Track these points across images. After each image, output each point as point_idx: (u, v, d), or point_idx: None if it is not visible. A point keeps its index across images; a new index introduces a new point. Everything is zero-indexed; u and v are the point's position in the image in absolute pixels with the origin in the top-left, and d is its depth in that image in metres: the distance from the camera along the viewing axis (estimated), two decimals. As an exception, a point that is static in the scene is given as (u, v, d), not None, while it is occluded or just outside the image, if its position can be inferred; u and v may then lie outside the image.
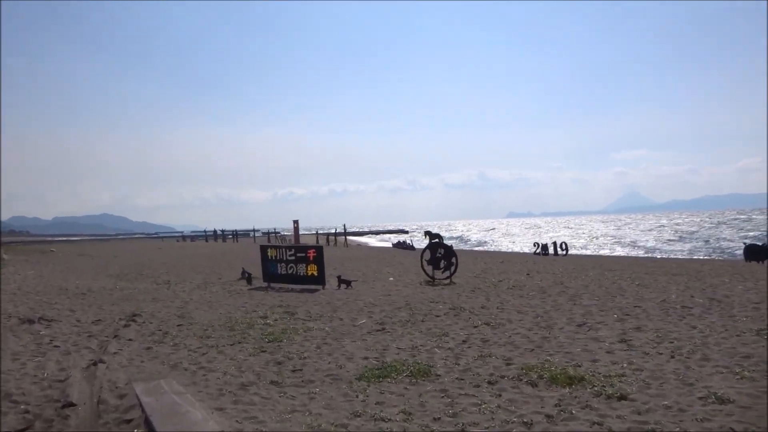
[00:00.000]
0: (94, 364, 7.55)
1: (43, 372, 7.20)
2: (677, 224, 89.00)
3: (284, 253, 16.61)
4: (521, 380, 6.23)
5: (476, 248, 48.58)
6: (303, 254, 16.32)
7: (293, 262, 16.40)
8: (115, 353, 8.29)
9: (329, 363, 7.38)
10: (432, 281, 16.55)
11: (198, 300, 14.00)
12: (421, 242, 49.76)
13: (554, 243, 30.66)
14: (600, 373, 6.31)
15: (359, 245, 59.66)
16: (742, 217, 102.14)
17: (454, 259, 16.50)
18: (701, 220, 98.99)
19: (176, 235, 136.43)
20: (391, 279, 17.86)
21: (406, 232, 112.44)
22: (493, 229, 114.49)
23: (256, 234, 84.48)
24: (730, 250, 36.40)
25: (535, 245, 31.38)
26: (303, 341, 8.71)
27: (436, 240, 18.01)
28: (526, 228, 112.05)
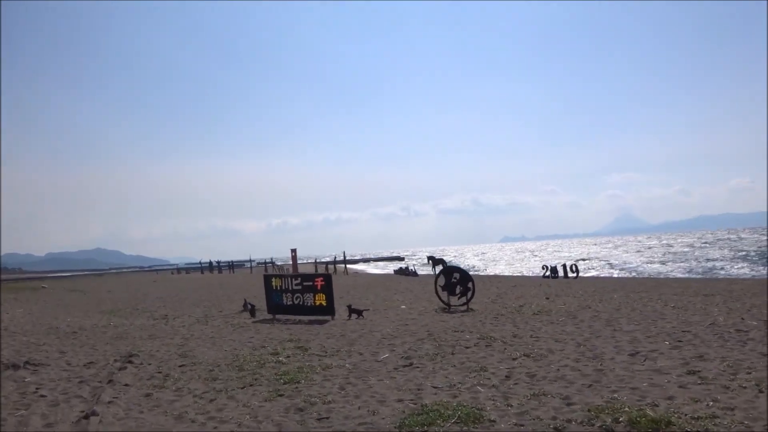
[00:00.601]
0: (86, 417, 6.49)
1: (25, 429, 6.14)
2: (671, 244, 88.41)
3: (290, 283, 15.60)
4: (593, 425, 5.25)
5: (481, 273, 47.60)
6: (310, 283, 15.32)
7: (300, 292, 15.38)
8: (109, 402, 7.23)
9: (359, 408, 6.36)
10: (448, 308, 15.56)
11: (199, 336, 12.93)
12: (423, 268, 48.76)
13: (564, 265, 29.75)
14: (686, 414, 5.34)
15: (358, 273, 58.57)
16: (748, 235, 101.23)
17: (470, 284, 15.55)
18: (701, 239, 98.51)
19: (171, 267, 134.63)
20: (404, 307, 16.85)
21: (402, 259, 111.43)
22: (485, 253, 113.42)
23: (253, 264, 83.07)
24: (745, 269, 35.58)
25: (543, 268, 30.45)
26: (323, 381, 7.69)
27: (450, 264, 17.04)
28: (517, 252, 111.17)
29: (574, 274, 28.59)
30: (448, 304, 15.67)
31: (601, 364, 7.65)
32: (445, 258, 45.88)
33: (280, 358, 9.45)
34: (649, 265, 46.00)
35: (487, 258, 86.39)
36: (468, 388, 6.91)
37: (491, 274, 44.63)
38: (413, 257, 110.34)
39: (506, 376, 7.34)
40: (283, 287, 15.69)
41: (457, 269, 16.15)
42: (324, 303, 14.98)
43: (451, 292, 15.75)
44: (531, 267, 52.40)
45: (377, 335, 11.41)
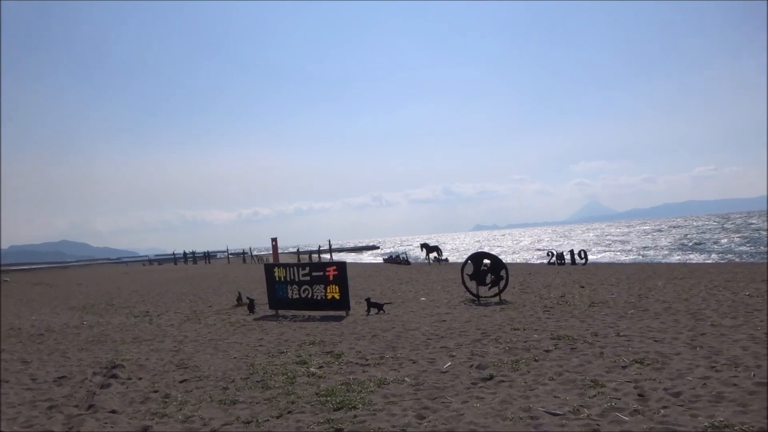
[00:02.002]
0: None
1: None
2: (661, 229, 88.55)
3: (296, 273, 13.48)
4: None
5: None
6: (320, 273, 13.22)
7: (308, 284, 13.29)
8: (93, 445, 5.10)
9: (467, 452, 4.38)
10: (477, 300, 13.66)
11: (195, 338, 10.75)
12: (416, 255, 46.80)
13: (571, 251, 28.18)
14: None
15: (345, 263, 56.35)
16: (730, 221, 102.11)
17: (503, 273, 13.66)
18: (686, 224, 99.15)
19: (141, 259, 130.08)
20: (424, 299, 14.89)
21: (377, 248, 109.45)
22: (464, 240, 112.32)
23: (229, 254, 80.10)
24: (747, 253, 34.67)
25: (548, 254, 28.86)
26: (387, 405, 5.67)
27: (478, 251, 15.13)
28: (493, 239, 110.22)
29: (583, 261, 27.05)
30: (477, 295, 13.77)
31: (753, 375, 5.80)
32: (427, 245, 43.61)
33: (312, 369, 7.38)
34: (649, 251, 44.97)
35: (470, 245, 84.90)
36: (600, 414, 4.98)
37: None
38: (390, 246, 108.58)
39: (640, 395, 5.43)
40: (289, 278, 13.56)
41: (488, 255, 14.25)
42: (337, 296, 12.93)
43: (481, 282, 13.85)
44: (524, 254, 51.03)
45: (417, 335, 9.42)
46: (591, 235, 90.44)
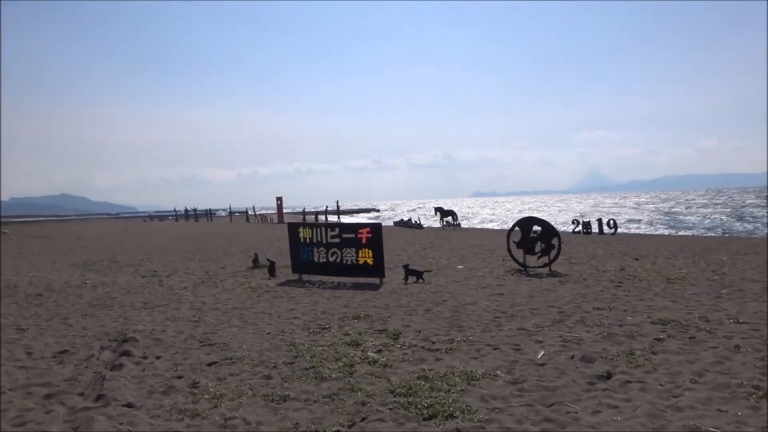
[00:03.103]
0: None
1: None
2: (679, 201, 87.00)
3: (324, 235, 12.04)
4: None
5: (485, 226, 44.58)
6: (351, 235, 11.78)
7: (337, 247, 11.86)
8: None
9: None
10: (524, 270, 12.28)
11: (214, 304, 9.38)
12: (428, 220, 45.41)
13: (599, 220, 26.73)
14: None
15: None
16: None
17: (555, 241, 12.23)
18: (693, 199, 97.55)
19: (141, 215, 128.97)
20: (461, 267, 13.51)
21: (378, 211, 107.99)
22: (471, 207, 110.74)
23: (232, 213, 78.71)
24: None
25: (574, 222, 27.41)
26: (492, 413, 4.29)
27: (526, 216, 13.67)
28: (496, 204, 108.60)
29: (612, 230, 25.64)
30: (525, 265, 12.37)
31: None
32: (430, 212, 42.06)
33: (370, 354, 5.99)
34: (678, 220, 43.43)
35: (476, 210, 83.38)
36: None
37: (503, 227, 41.62)
38: (390, 210, 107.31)
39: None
40: (315, 240, 12.12)
41: (538, 221, 12.78)
42: (370, 261, 11.52)
43: (529, 251, 12.43)
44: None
45: (478, 311, 8.04)
46: (608, 202, 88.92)
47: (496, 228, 40.42)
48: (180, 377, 5.51)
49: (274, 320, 8.01)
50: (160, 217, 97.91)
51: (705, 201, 79.77)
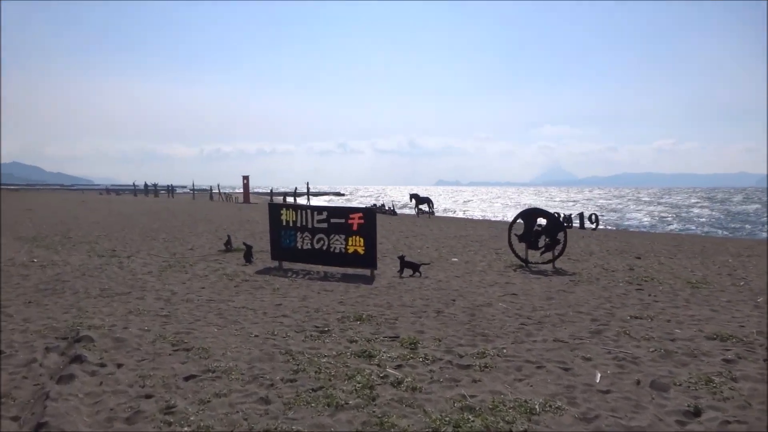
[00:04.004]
0: None
1: None
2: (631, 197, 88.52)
3: (309, 218, 10.79)
4: None
5: (453, 215, 43.83)
6: (341, 220, 10.57)
7: (324, 232, 10.64)
8: None
9: None
10: (525, 265, 11.34)
11: (186, 294, 8.06)
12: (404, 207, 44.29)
13: (581, 215, 26.17)
14: None
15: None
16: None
17: (561, 236, 11.31)
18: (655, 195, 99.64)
19: (97, 188, 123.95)
20: (455, 260, 12.47)
21: (342, 195, 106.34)
22: (440, 195, 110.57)
23: (195, 190, 75.88)
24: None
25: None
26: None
27: (530, 207, 12.69)
28: (455, 193, 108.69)
29: (593, 225, 25.11)
30: (526, 260, 11.43)
31: None
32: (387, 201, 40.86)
33: (389, 370, 4.86)
34: (646, 219, 43.64)
35: (443, 198, 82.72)
36: None
37: (477, 217, 40.92)
38: (354, 195, 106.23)
39: None
40: (300, 223, 10.86)
41: (544, 213, 11.82)
42: (361, 250, 10.36)
43: (532, 245, 11.47)
44: (501, 213, 49.20)
45: (496, 314, 7.00)
46: (580, 197, 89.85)
47: (468, 218, 39.73)
48: (149, 396, 4.27)
49: (260, 318, 6.77)
50: (118, 191, 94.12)
51: (648, 199, 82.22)
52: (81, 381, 4.52)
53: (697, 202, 70.26)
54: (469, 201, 75.78)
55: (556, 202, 73.55)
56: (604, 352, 5.44)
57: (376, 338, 5.87)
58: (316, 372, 4.77)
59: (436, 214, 38.48)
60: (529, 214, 11.72)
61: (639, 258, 12.88)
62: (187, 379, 4.63)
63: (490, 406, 4.07)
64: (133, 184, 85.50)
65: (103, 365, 4.91)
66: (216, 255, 12.63)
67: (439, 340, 5.82)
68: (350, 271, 10.48)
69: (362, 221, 10.39)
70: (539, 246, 11.41)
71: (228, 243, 13.38)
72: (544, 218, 11.58)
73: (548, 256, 11.32)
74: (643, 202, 72.36)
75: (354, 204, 60.22)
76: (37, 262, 11.00)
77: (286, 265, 11.03)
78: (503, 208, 58.69)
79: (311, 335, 5.97)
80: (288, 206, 11.24)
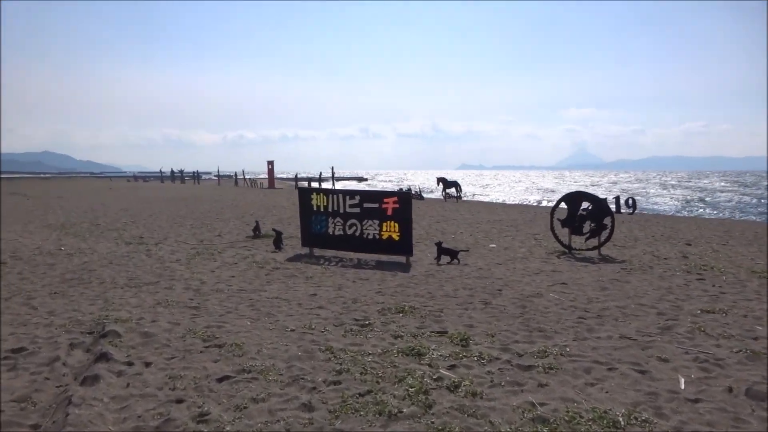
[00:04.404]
0: None
1: None
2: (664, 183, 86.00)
3: (341, 203, 10.31)
4: None
5: (482, 199, 42.99)
6: (375, 205, 10.07)
7: (356, 218, 10.17)
8: None
9: None
10: (568, 251, 10.72)
11: (215, 284, 7.68)
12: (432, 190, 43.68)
13: (617, 198, 25.21)
14: None
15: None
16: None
17: (608, 221, 10.64)
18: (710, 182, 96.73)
19: (125, 175, 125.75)
20: (493, 245, 11.90)
21: (365, 179, 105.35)
22: (463, 179, 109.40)
23: (220, 176, 76.21)
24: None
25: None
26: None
27: (574, 191, 12.01)
28: (479, 177, 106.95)
29: (630, 210, 24.16)
30: (569, 247, 10.80)
31: None
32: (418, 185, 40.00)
33: (442, 371, 4.36)
34: (676, 202, 42.23)
35: (471, 182, 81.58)
36: None
37: (502, 201, 40.06)
38: (377, 179, 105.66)
39: None
40: (331, 208, 10.40)
41: (588, 196, 11.15)
42: (396, 236, 9.87)
43: (576, 230, 10.83)
44: (525, 197, 48.12)
45: (549, 306, 6.44)
46: (604, 181, 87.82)
47: (498, 201, 38.90)
48: (180, 401, 3.85)
49: (295, 309, 6.34)
50: (145, 177, 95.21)
51: (674, 183, 79.63)
52: (106, 382, 4.13)
53: (727, 186, 67.92)
54: (487, 185, 74.51)
55: (578, 185, 71.81)
56: (680, 352, 4.85)
57: (422, 333, 5.37)
58: (361, 373, 4.30)
59: (464, 198, 37.76)
60: (574, 198, 11.05)
61: (689, 245, 12.12)
62: (220, 380, 4.20)
63: (566, 418, 3.54)
64: (160, 171, 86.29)
65: (130, 364, 4.52)
66: (244, 242, 12.27)
67: (492, 336, 5.30)
68: (384, 257, 10.01)
69: (397, 205, 9.87)
70: (584, 232, 10.75)
71: (256, 229, 13.01)
72: (589, 202, 10.89)
73: (594, 242, 10.66)
74: (670, 186, 70.21)
75: (378, 187, 59.65)
76: (65, 250, 10.77)
77: (317, 251, 10.61)
78: (525, 191, 57.55)
79: (352, 329, 5.51)
80: (319, 191, 10.76)
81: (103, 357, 4.64)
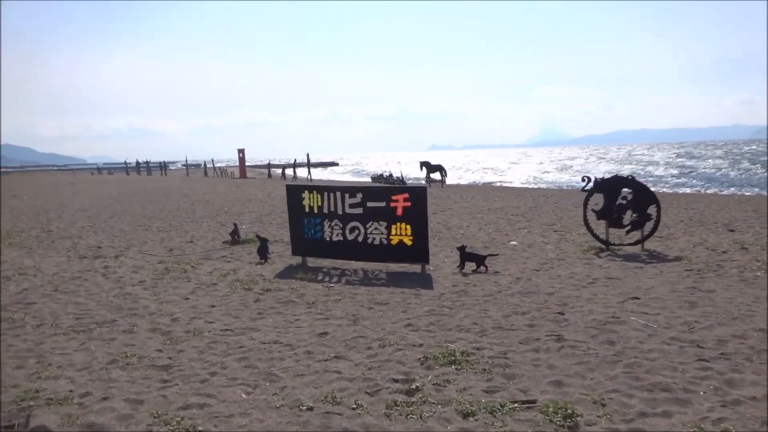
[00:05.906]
0: None
1: None
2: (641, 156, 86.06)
3: (340, 202, 8.53)
4: None
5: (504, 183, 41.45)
6: (381, 203, 8.32)
7: (359, 219, 8.41)
8: None
9: None
10: (605, 247, 9.21)
11: (191, 323, 5.86)
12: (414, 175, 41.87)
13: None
14: None
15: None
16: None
17: (652, 210, 9.15)
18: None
19: (89, 167, 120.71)
20: (514, 243, 10.31)
21: (337, 164, 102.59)
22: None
23: (188, 166, 73.18)
24: None
25: (584, 179, 24.46)
26: None
27: (608, 176, 10.43)
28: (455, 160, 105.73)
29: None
30: (607, 242, 9.28)
31: None
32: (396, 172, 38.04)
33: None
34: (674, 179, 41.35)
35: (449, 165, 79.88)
36: None
37: (505, 185, 38.66)
38: (349, 164, 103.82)
39: None
40: (327, 210, 8.62)
41: (629, 182, 9.61)
42: (409, 241, 8.17)
43: (616, 222, 9.31)
44: (523, 177, 46.88)
45: (642, 337, 4.85)
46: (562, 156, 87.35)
47: (487, 186, 37.46)
48: None
49: (304, 364, 4.60)
50: (109, 170, 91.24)
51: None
52: None
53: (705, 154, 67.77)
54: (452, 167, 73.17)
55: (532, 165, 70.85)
56: None
57: (499, 405, 3.71)
58: None
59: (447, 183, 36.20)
60: (612, 185, 9.51)
61: (733, 230, 10.73)
62: None
63: None
64: (125, 162, 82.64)
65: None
66: (221, 249, 10.42)
67: (602, 405, 3.67)
68: (393, 266, 8.33)
69: (408, 204, 8.16)
70: (624, 224, 9.24)
71: (235, 233, 11.16)
72: (629, 188, 9.37)
73: (635, 235, 9.16)
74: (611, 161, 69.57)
75: (348, 177, 57.70)
76: (2, 269, 8.78)
77: (312, 261, 8.86)
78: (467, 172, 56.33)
79: (396, 402, 3.81)
80: (311, 188, 8.94)
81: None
